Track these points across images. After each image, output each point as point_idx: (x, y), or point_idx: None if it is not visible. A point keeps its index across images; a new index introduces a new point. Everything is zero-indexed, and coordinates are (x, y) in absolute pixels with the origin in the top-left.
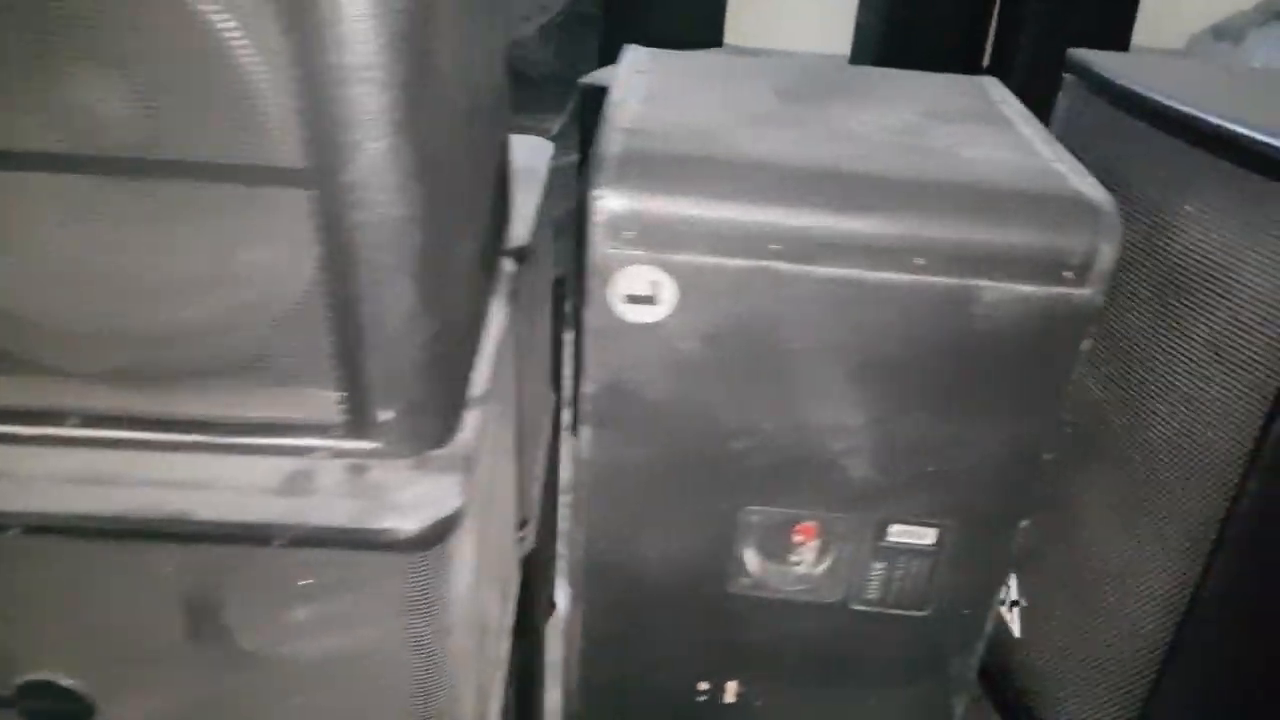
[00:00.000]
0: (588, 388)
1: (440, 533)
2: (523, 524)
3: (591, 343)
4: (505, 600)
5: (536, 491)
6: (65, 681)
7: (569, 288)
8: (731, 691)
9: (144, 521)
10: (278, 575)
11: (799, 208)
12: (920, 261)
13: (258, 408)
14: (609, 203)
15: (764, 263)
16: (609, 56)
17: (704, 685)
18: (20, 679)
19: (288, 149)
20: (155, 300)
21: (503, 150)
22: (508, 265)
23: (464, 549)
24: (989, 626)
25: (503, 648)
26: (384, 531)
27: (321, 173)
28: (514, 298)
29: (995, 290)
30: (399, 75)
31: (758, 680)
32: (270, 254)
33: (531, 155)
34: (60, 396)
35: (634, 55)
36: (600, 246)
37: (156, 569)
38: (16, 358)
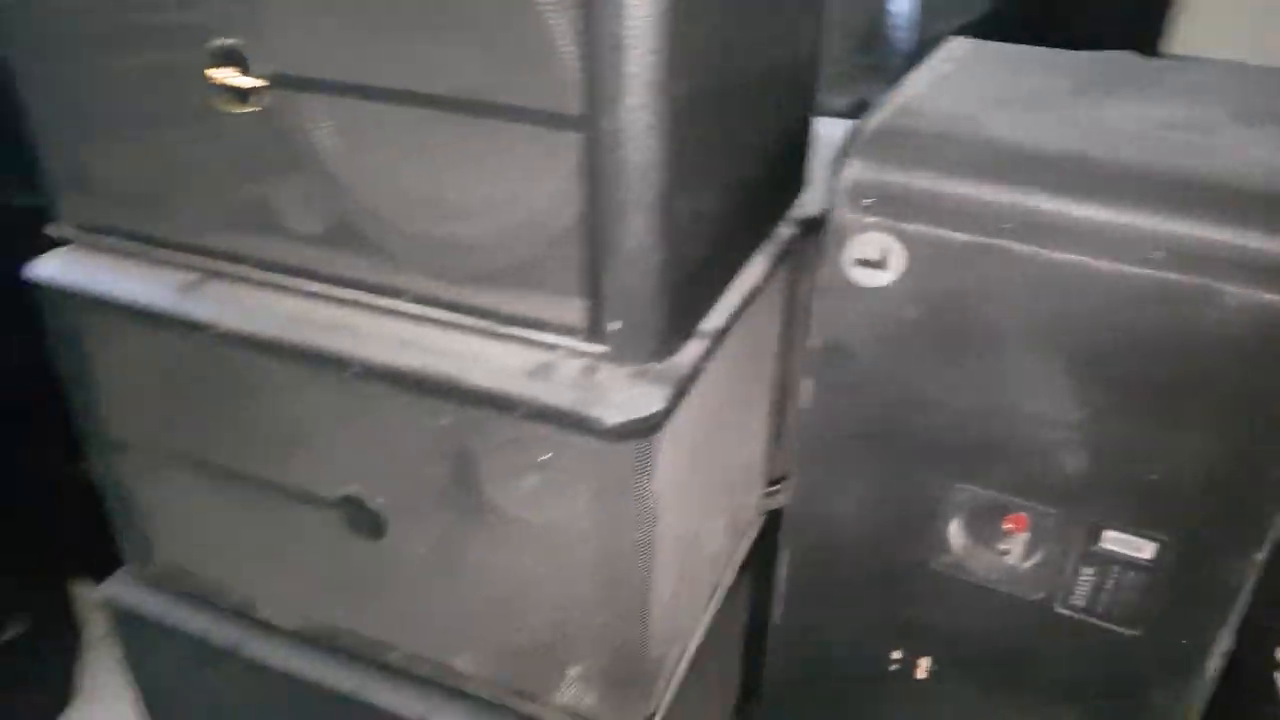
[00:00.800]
0: (812, 342)
1: (637, 430)
2: (775, 480)
3: (819, 301)
4: (735, 536)
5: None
6: (370, 500)
7: None
8: (923, 668)
9: (428, 378)
10: (518, 443)
11: (1033, 189)
12: (1159, 255)
13: (525, 306)
14: (854, 170)
15: (995, 240)
16: None
17: (897, 655)
18: (341, 491)
19: (571, 98)
20: (460, 215)
21: (797, 126)
22: (786, 230)
23: (663, 452)
24: (1211, 667)
25: (725, 575)
26: (593, 420)
27: (591, 120)
28: (784, 259)
29: (1239, 296)
30: (660, 44)
31: (947, 663)
32: (546, 185)
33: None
34: (397, 278)
35: (952, 45)
36: (840, 210)
37: (437, 420)
38: (376, 246)
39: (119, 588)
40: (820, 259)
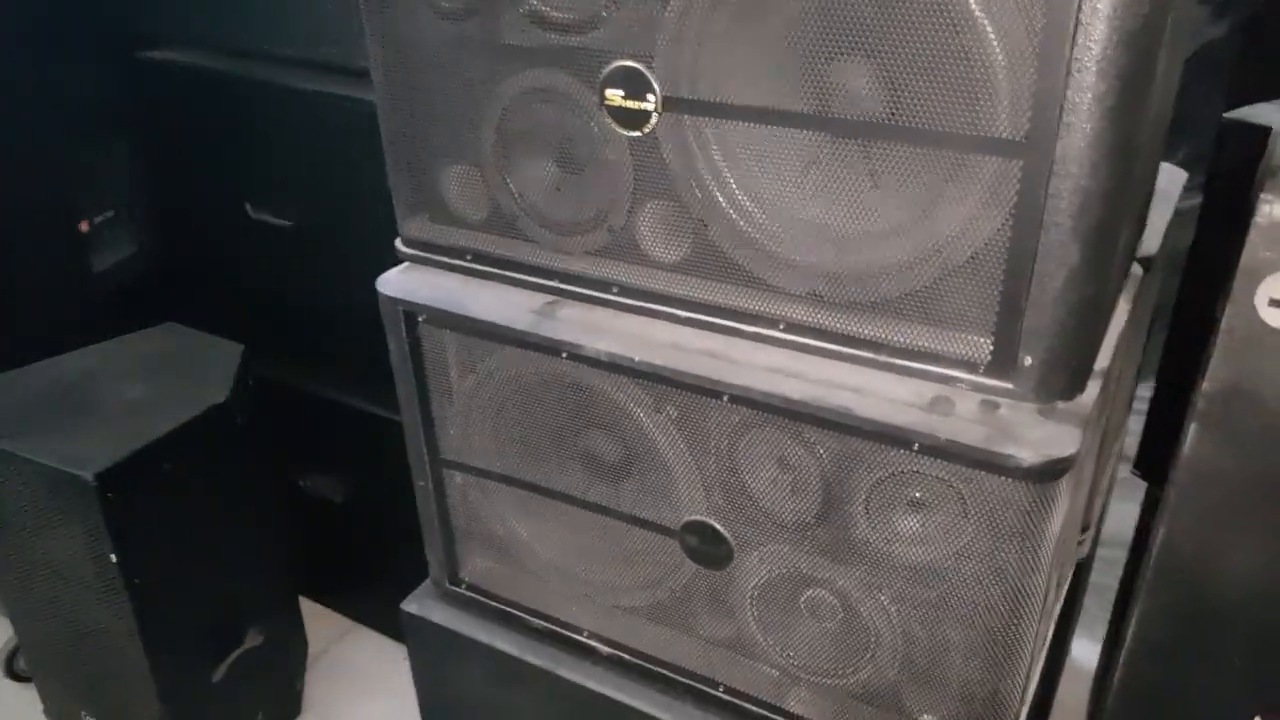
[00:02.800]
0: (1207, 386)
1: (1053, 472)
2: (1084, 528)
3: (1223, 342)
4: (1059, 586)
5: (1099, 505)
6: (718, 526)
7: None
8: None
9: (814, 408)
10: (899, 479)
11: None
12: None
13: (919, 338)
14: (1276, 209)
15: None
16: (1241, 98)
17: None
18: (687, 517)
19: (1012, 124)
20: (861, 243)
21: (1157, 163)
22: (1136, 269)
23: (1065, 496)
24: None
25: (1047, 629)
26: (1007, 457)
27: (1034, 146)
28: (1135, 299)
29: None
30: (1121, 68)
31: None
32: (962, 211)
33: (1167, 180)
34: (773, 306)
35: None
36: (1256, 248)
37: (813, 451)
38: (750, 274)
39: (424, 602)
40: (1225, 299)
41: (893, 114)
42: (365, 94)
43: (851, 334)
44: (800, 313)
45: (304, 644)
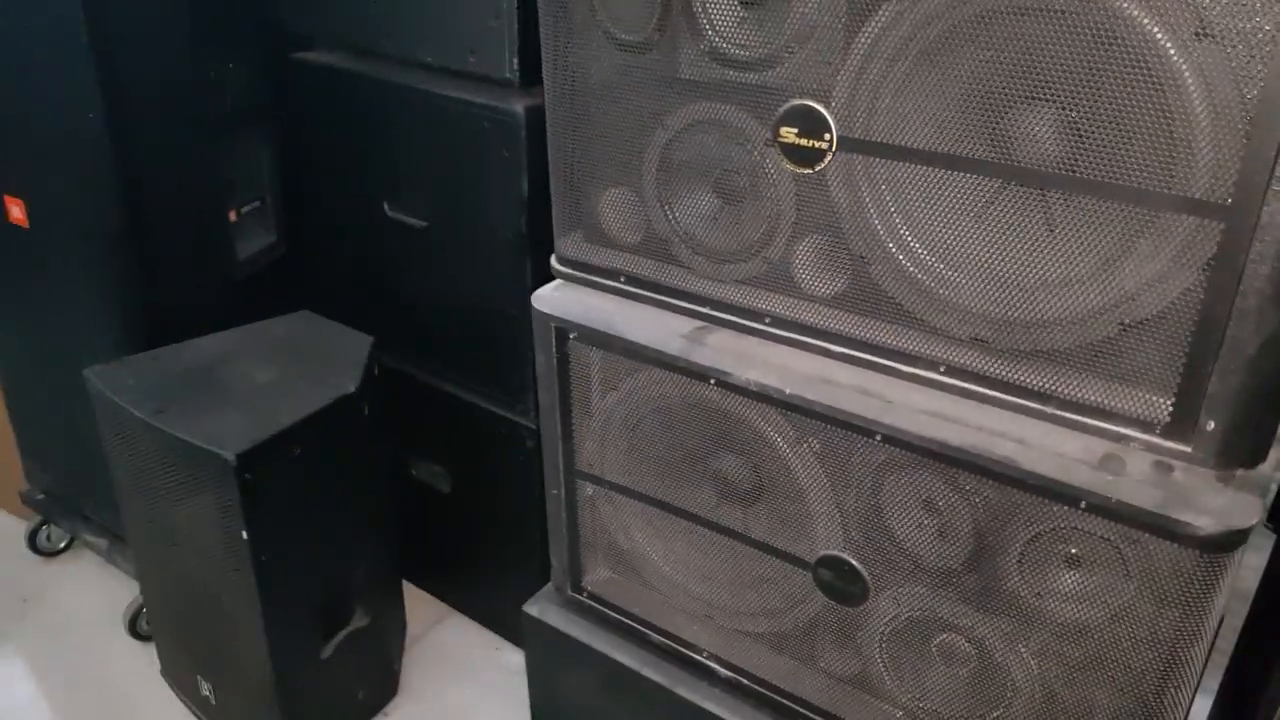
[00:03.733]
0: None
1: (1231, 542)
2: None
3: None
4: None
5: None
6: (855, 563)
7: None
8: None
9: (974, 456)
10: (1063, 535)
11: None
12: None
13: (1091, 393)
14: None
15: None
16: None
17: None
18: (823, 552)
19: (1212, 186)
20: (1034, 291)
21: None
22: None
23: (1238, 568)
24: None
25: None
26: (1182, 524)
27: (1239, 209)
28: None
29: None
30: None
31: None
32: (1150, 269)
33: None
34: (933, 348)
35: None
36: None
37: (968, 498)
38: (910, 313)
39: (545, 606)
40: None
41: (1076, 164)
42: (505, 103)
43: (1017, 382)
44: (963, 357)
45: (404, 627)
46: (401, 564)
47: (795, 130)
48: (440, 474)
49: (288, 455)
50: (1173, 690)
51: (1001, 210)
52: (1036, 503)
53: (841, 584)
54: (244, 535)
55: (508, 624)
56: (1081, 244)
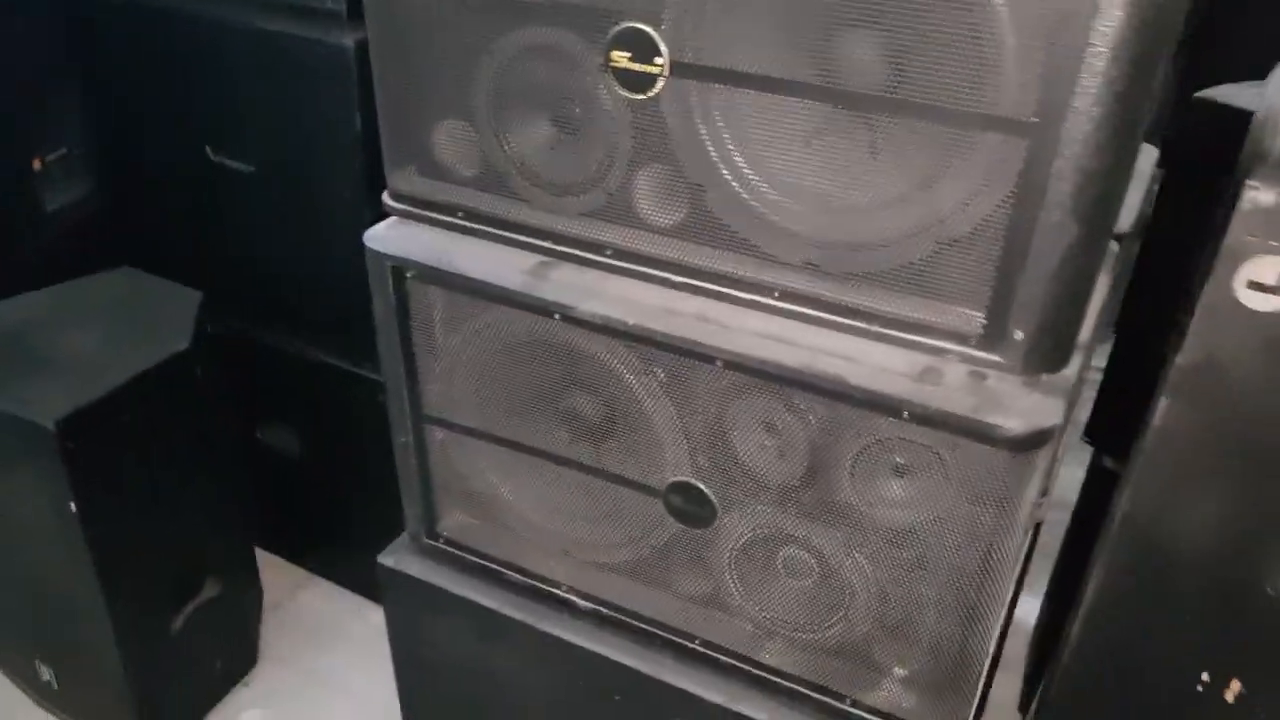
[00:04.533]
0: (1181, 360)
1: (1036, 441)
2: (1043, 493)
3: (1199, 320)
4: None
5: (1057, 471)
6: (703, 487)
7: None
8: (1233, 691)
9: (807, 375)
10: (885, 444)
11: None
12: None
13: (911, 309)
14: (1260, 195)
15: None
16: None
17: (1205, 676)
18: (673, 478)
19: (1019, 104)
20: (859, 214)
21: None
22: (1112, 245)
23: (1043, 464)
24: None
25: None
26: (994, 427)
27: (1041, 126)
28: (1112, 274)
29: None
30: (1134, 53)
31: (1261, 688)
32: (963, 186)
33: (1141, 158)
34: (768, 274)
35: None
36: (1237, 232)
37: (802, 417)
38: (746, 241)
39: (401, 555)
40: (1204, 278)
41: (897, 87)
42: (332, 36)
43: (845, 304)
44: (795, 281)
45: (260, 594)
46: (257, 531)
47: (628, 54)
48: (289, 436)
49: (115, 421)
50: (991, 583)
51: (829, 134)
52: (863, 416)
53: (691, 508)
54: (72, 508)
55: (370, 585)
56: (901, 166)
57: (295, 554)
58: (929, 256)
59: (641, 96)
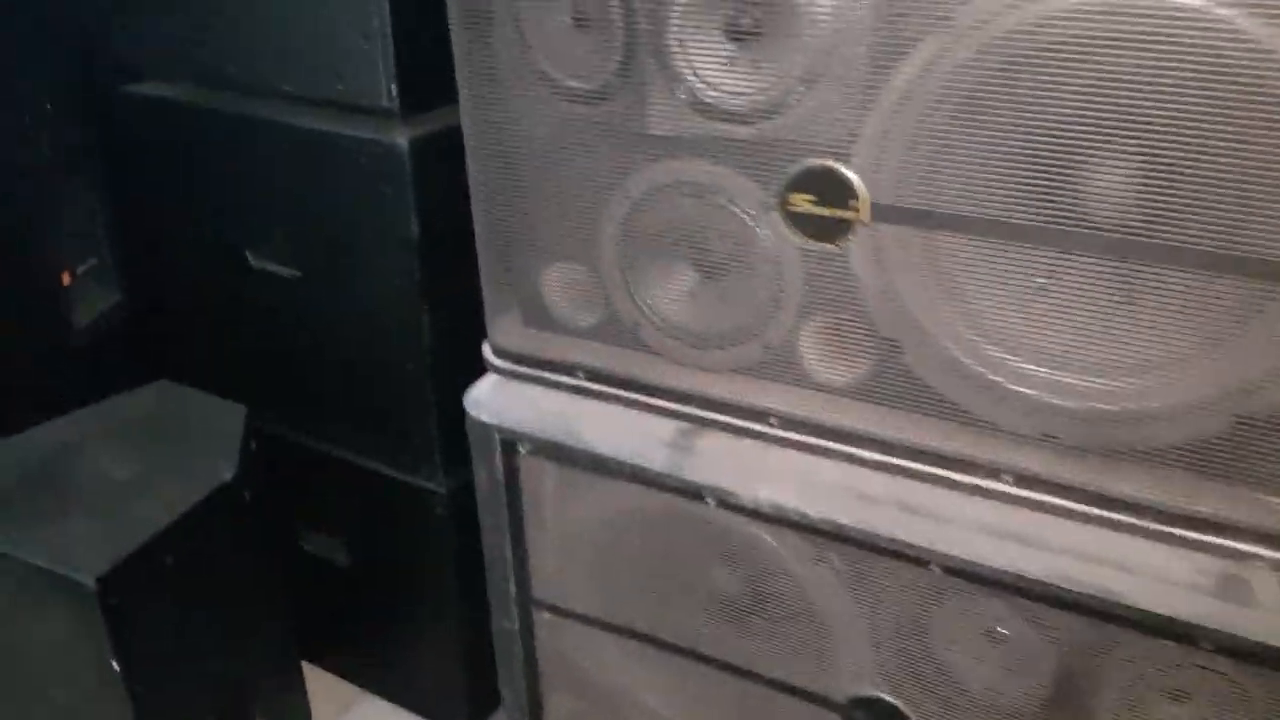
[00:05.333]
0: None
1: None
2: None
3: None
4: None
5: None
6: (901, 706)
7: None
8: None
9: (1059, 588)
10: (1169, 672)
11: None
12: None
13: (1201, 500)
14: None
15: None
16: None
17: None
18: (856, 691)
19: None
20: (1115, 376)
21: None
22: None
23: None
24: None
25: None
26: None
27: None
28: None
29: None
30: None
31: None
32: (1274, 352)
33: None
34: (993, 452)
35: None
36: None
37: (1050, 634)
38: (952, 404)
39: None
40: None
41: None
42: (384, 135)
43: (1108, 493)
44: (1034, 461)
45: (308, 717)
46: (303, 646)
47: (811, 198)
48: (336, 545)
49: (159, 568)
50: None
51: (1068, 280)
52: (1142, 640)
53: None
54: (114, 666)
55: (424, 700)
56: (1176, 317)
57: (345, 670)
58: (1224, 430)
59: (829, 246)
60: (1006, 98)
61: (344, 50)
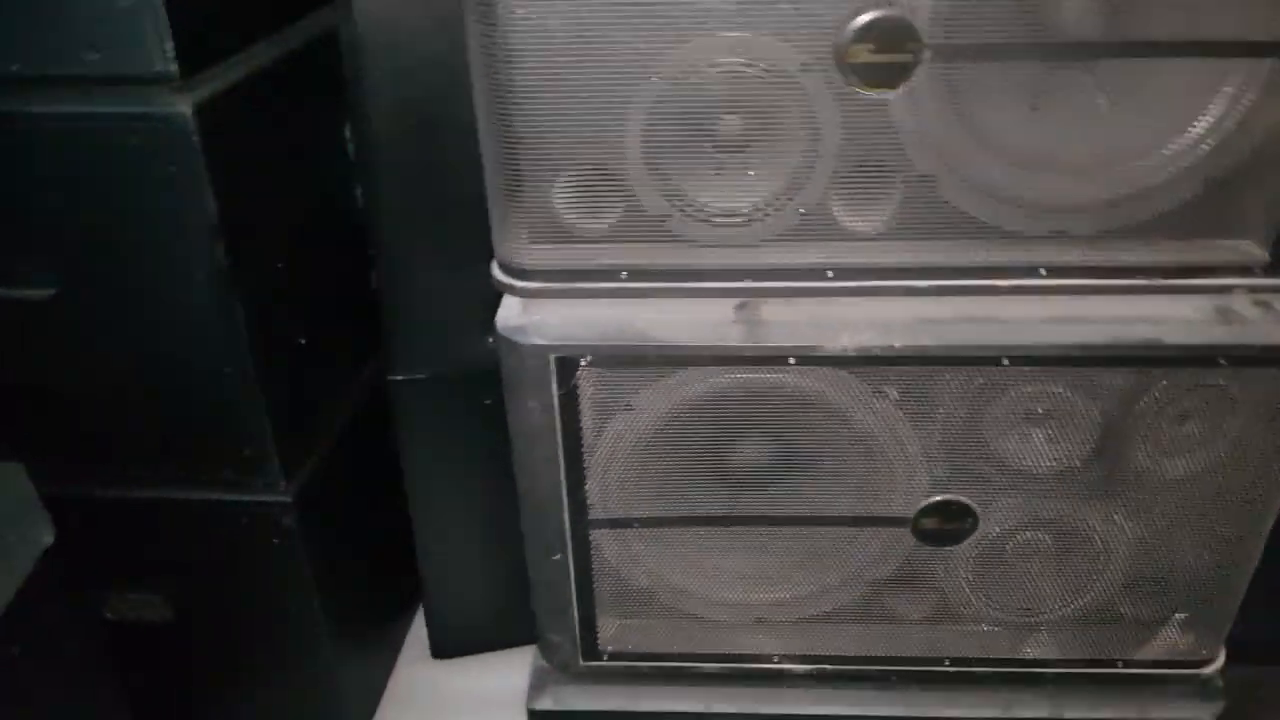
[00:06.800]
0: None
1: None
2: None
3: None
4: None
5: None
6: (966, 500)
7: None
8: None
9: (1119, 349)
10: (1176, 395)
11: None
12: None
13: (1189, 254)
14: None
15: None
16: None
17: None
18: (924, 501)
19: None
20: (1105, 170)
21: None
22: None
23: None
24: None
25: None
26: None
27: None
28: None
29: None
30: None
31: None
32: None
33: None
34: (1025, 254)
35: None
36: None
37: (1089, 393)
38: (990, 227)
39: (556, 692)
40: None
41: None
42: (162, 106)
43: (1115, 264)
44: (1057, 254)
45: None
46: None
47: (869, 46)
48: (154, 601)
49: (3, 662)
50: (1267, 499)
51: (1058, 93)
52: (1172, 374)
53: (948, 526)
54: None
55: None
56: (1153, 107)
57: None
58: (1196, 195)
59: (889, 93)
60: None
61: (95, 11)
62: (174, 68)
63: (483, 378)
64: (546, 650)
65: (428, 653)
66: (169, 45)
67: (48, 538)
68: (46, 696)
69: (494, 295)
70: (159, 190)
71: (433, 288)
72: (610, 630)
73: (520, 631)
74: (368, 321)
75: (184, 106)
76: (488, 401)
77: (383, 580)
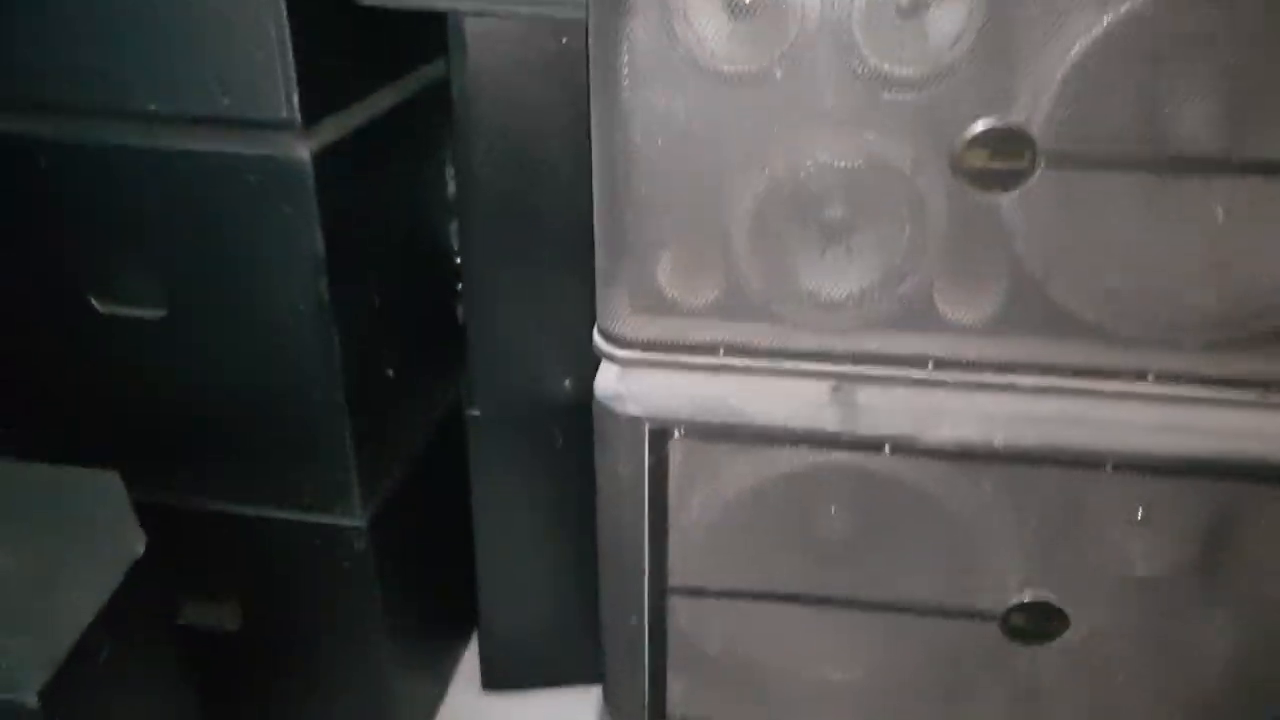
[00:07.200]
0: None
1: None
2: None
3: None
4: None
5: None
6: (1054, 601)
7: None
8: None
9: (1218, 463)
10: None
11: None
12: None
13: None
14: None
15: None
16: None
17: None
18: (1015, 599)
19: None
20: (1220, 281)
21: None
22: None
23: None
24: None
25: None
26: None
27: None
28: None
29: None
30: None
31: None
32: None
33: None
34: (1134, 359)
35: None
36: None
37: (1197, 506)
38: (1092, 325)
39: None
40: None
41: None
42: (282, 150)
43: (1228, 375)
44: (1167, 361)
45: None
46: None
47: (987, 152)
48: (226, 611)
49: (93, 667)
50: None
51: (1171, 204)
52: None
53: (1036, 625)
54: None
55: None
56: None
57: None
58: None
59: (1001, 195)
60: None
61: (231, 60)
62: (298, 116)
63: (557, 420)
64: (614, 707)
65: (478, 684)
66: (295, 95)
67: (139, 548)
68: (128, 701)
69: (574, 339)
70: (271, 226)
71: (516, 328)
72: (679, 693)
73: (570, 671)
74: (448, 355)
75: (303, 152)
76: (559, 444)
77: (441, 608)
